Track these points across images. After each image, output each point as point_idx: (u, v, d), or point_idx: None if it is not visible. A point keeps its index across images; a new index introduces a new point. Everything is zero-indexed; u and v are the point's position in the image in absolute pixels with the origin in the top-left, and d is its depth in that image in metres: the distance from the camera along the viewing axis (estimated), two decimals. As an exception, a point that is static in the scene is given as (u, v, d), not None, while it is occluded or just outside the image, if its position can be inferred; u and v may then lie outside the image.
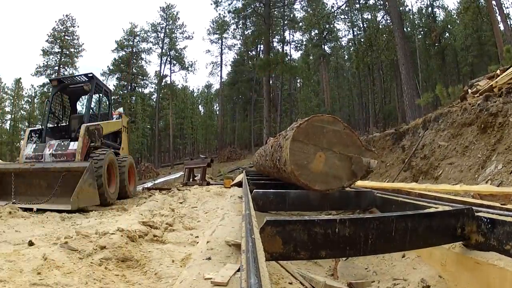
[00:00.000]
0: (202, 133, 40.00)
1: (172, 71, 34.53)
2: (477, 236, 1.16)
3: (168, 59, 34.06)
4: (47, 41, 32.42)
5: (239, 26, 30.50)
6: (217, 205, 3.06)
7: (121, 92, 33.51)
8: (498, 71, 5.49)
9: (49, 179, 5.28)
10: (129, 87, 34.65)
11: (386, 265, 1.66)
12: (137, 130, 30.26)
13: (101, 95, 7.50)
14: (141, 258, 1.51)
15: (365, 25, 28.08)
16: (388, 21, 19.59)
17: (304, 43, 32.51)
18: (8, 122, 34.95)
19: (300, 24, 28.18)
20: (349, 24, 30.66)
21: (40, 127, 6.85)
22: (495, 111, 4.30)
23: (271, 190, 2.03)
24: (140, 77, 35.40)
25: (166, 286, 1.23)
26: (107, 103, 8.10)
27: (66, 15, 33.61)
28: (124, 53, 34.12)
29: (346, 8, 27.45)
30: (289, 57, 28.64)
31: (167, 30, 33.75)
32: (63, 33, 32.99)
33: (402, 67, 14.82)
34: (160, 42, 33.97)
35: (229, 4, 25.22)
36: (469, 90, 5.85)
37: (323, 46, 31.90)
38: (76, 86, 7.10)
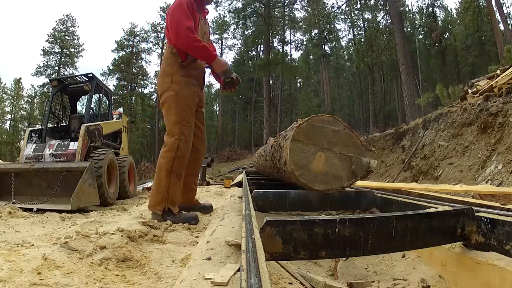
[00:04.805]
0: (202, 133, 39.86)
1: (172, 71, 34.48)
2: (477, 236, 1.16)
3: (168, 59, 34.01)
4: (47, 41, 32.52)
5: (239, 26, 30.55)
6: (217, 205, 3.05)
7: (121, 92, 33.52)
8: (498, 71, 5.49)
9: (49, 179, 5.28)
10: (129, 87, 34.67)
11: (386, 265, 1.66)
12: (137, 130, 30.27)
13: (101, 95, 7.50)
14: (141, 258, 1.51)
15: (365, 25, 28.10)
16: (388, 21, 19.60)
17: (304, 43, 32.55)
18: (8, 122, 34.99)
19: (300, 24, 28.21)
20: (349, 24, 30.69)
21: (40, 127, 6.85)
22: (495, 111, 4.30)
23: (271, 190, 2.03)
24: (140, 77, 35.42)
25: (166, 286, 1.23)
26: (107, 103, 8.10)
27: (66, 15, 33.70)
28: (124, 53, 34.15)
29: (347, 8, 27.47)
30: (289, 57, 28.67)
31: (167, 30, 33.74)
32: (63, 33, 33.03)
33: (402, 67, 14.86)
34: (160, 42, 33.98)
35: (229, 4, 25.27)
36: (469, 90, 5.86)
37: (323, 46, 31.91)
38: (76, 86, 7.10)
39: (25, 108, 35.31)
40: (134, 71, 34.85)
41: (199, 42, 2.27)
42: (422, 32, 27.53)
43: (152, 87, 35.96)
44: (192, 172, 2.65)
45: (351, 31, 31.32)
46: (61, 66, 32.23)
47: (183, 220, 2.23)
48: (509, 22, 19.54)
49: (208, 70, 2.63)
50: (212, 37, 34.51)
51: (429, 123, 6.05)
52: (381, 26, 20.58)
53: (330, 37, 32.45)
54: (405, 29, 21.86)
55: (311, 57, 34.62)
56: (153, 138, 33.82)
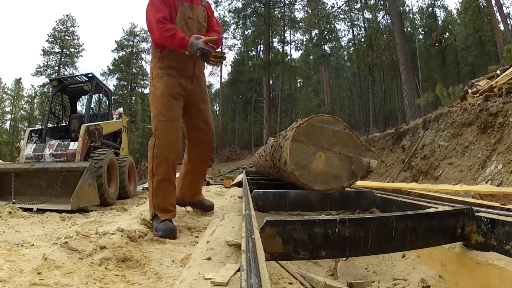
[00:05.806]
0: (202, 133, 39.80)
1: (172, 71, 34.52)
2: (477, 236, 1.16)
3: (168, 59, 34.03)
4: (47, 41, 32.57)
5: (239, 26, 30.49)
6: (217, 205, 3.06)
7: (121, 92, 33.54)
8: (498, 71, 5.50)
9: (49, 179, 5.28)
10: (129, 87, 34.69)
11: (386, 265, 1.66)
12: (137, 130, 30.27)
13: (101, 95, 7.50)
14: (141, 258, 1.51)
15: (365, 25, 28.11)
16: (388, 21, 19.59)
17: (304, 43, 32.52)
18: (8, 122, 35.00)
19: (300, 24, 28.19)
20: (349, 24, 30.69)
21: (40, 127, 6.85)
22: (495, 111, 4.30)
23: (271, 190, 2.03)
24: (140, 77, 35.43)
25: (166, 286, 1.23)
26: (107, 103, 8.10)
27: (66, 15, 33.75)
28: (124, 53, 34.19)
29: (346, 8, 27.47)
30: (289, 57, 28.64)
31: (167, 30, 33.74)
32: (63, 33, 33.07)
33: (402, 67, 14.85)
34: (160, 42, 33.94)
35: (229, 4, 25.25)
36: (469, 90, 5.86)
37: (323, 46, 31.90)
38: (76, 86, 7.10)
39: (25, 108, 35.32)
40: (134, 71, 34.88)
41: (170, 31, 2.11)
42: (422, 32, 27.55)
43: (152, 87, 35.91)
44: (191, 170, 2.55)
45: (351, 31, 31.35)
46: (61, 66, 32.26)
47: (160, 235, 1.92)
48: (509, 22, 19.54)
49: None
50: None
51: (429, 123, 6.05)
52: (381, 26, 20.57)
53: (330, 37, 32.45)
54: (405, 29, 21.88)
55: (311, 57, 34.60)
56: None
